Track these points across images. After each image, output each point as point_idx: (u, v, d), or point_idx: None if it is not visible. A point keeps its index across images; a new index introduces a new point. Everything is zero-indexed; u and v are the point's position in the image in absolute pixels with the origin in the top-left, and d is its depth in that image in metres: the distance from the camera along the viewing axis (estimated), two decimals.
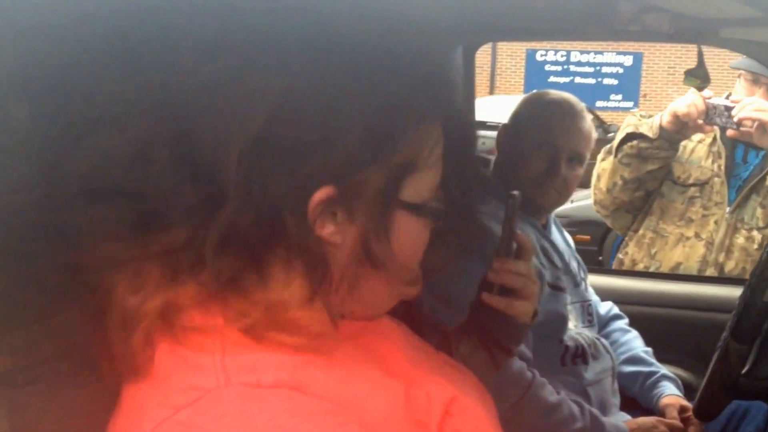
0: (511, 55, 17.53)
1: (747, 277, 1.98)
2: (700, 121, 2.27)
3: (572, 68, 17.28)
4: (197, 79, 0.76)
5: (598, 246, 4.62)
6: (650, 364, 1.98)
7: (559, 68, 17.33)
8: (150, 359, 0.77)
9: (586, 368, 1.76)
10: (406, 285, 0.89)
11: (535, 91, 1.97)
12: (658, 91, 16.25)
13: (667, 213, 2.48)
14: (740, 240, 2.37)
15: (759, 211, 2.36)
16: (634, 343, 2.03)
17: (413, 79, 0.83)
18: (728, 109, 2.22)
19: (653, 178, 2.46)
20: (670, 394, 1.89)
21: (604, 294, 2.15)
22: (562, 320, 1.75)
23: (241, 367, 0.75)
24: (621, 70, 17.01)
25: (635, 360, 1.98)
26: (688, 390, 1.97)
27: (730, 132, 2.28)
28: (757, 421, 1.83)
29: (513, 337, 1.24)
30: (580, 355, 1.76)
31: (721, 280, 2.33)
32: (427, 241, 0.88)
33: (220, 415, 0.71)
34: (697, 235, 2.43)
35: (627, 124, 2.46)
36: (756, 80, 2.37)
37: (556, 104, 1.82)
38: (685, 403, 1.85)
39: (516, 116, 1.85)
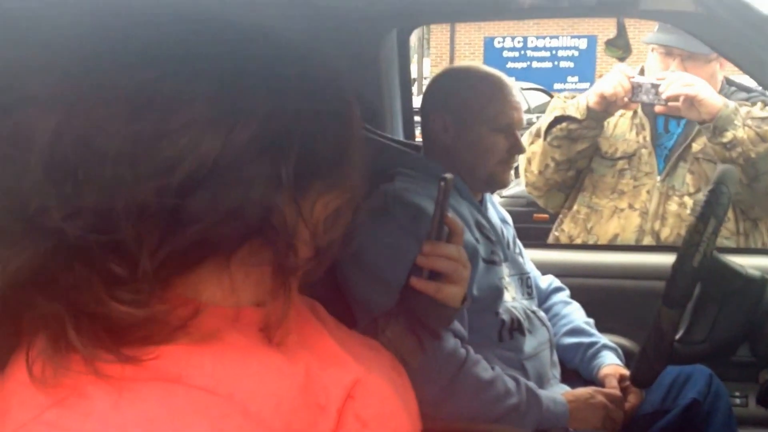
0: (469, 43, 17.62)
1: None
2: (626, 99, 2.34)
3: (529, 53, 17.46)
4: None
5: None
6: (591, 335, 1.96)
7: (516, 54, 17.48)
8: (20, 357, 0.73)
9: (523, 341, 1.74)
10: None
11: (450, 68, 1.94)
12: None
13: (599, 187, 2.53)
14: (673, 207, 2.43)
15: (688, 177, 2.43)
16: (576, 314, 2.02)
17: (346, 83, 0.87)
18: (655, 86, 2.29)
19: (583, 157, 2.52)
20: (609, 363, 1.88)
21: (545, 268, 2.14)
22: (498, 293, 1.74)
23: (114, 360, 0.70)
24: (576, 53, 17.26)
25: (576, 331, 1.97)
26: (630, 359, 1.96)
27: (658, 108, 2.33)
28: (698, 386, 1.83)
29: (441, 321, 1.24)
30: (517, 327, 1.74)
31: (660, 248, 2.35)
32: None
33: (87, 412, 0.67)
34: (630, 206, 2.48)
35: (553, 107, 2.52)
36: (669, 53, 2.44)
37: (496, 80, 1.79)
38: (624, 371, 1.84)
39: (455, 98, 1.79)
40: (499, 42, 17.51)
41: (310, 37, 1.81)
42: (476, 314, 1.68)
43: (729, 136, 2.24)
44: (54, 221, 0.69)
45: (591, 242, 2.50)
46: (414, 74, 16.99)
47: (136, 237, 0.70)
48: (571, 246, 2.51)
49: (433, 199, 1.22)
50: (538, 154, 2.53)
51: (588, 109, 2.39)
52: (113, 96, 0.72)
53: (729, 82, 2.53)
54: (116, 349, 0.70)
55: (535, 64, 17.28)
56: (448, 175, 1.21)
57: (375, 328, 1.22)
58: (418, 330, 1.21)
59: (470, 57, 17.49)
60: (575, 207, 2.56)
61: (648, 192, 2.46)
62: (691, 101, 2.25)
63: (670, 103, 2.28)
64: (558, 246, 2.53)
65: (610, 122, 2.53)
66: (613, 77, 2.35)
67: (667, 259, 2.02)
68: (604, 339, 1.97)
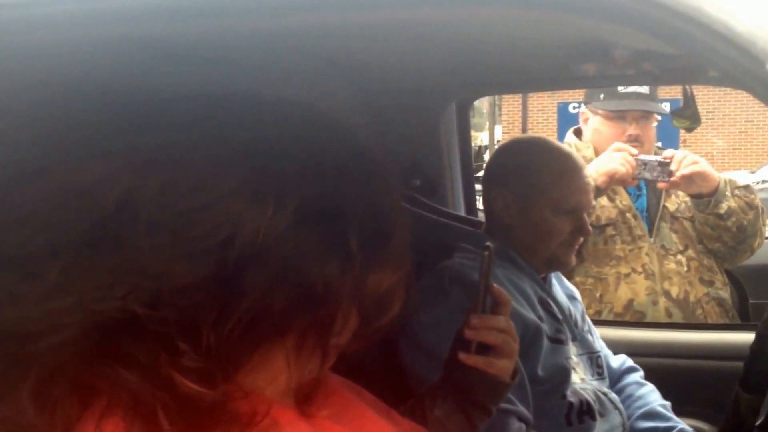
0: (542, 109, 17.58)
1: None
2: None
3: None
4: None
5: None
6: (668, 419, 1.85)
7: None
8: None
9: (594, 425, 1.66)
10: None
11: (515, 139, 1.91)
12: (698, 137, 16.00)
13: (596, 256, 2.52)
14: (672, 266, 2.49)
15: (674, 236, 2.53)
16: (651, 396, 1.91)
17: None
18: (662, 164, 2.38)
19: None
20: None
21: (616, 347, 2.05)
22: (565, 374, 1.66)
23: None
24: (659, 117, 16.97)
25: (651, 415, 1.86)
26: None
27: (661, 184, 2.44)
28: None
29: (492, 396, 1.21)
30: (586, 411, 1.66)
31: (739, 326, 2.24)
32: None
33: None
34: (634, 270, 2.49)
35: None
36: (623, 117, 2.55)
37: (564, 159, 1.73)
38: None
39: (518, 175, 1.73)
40: (574, 107, 17.39)
41: (367, 111, 1.84)
42: (542, 397, 1.61)
43: (724, 207, 2.41)
44: (127, 300, 0.72)
45: (606, 311, 2.48)
46: (486, 141, 17.04)
47: (195, 311, 0.72)
48: (643, 324, 2.41)
49: (495, 276, 1.19)
50: None
51: (596, 189, 2.39)
52: (149, 163, 0.75)
53: None
54: None
55: None
56: (489, 244, 1.20)
57: (423, 406, 1.20)
58: (468, 407, 1.19)
59: (544, 123, 17.43)
60: (577, 278, 2.51)
61: (647, 254, 2.50)
62: (693, 178, 2.38)
63: (672, 180, 2.37)
64: (630, 323, 2.43)
65: None
66: (618, 155, 2.40)
67: (748, 338, 1.91)
68: (681, 423, 1.86)
